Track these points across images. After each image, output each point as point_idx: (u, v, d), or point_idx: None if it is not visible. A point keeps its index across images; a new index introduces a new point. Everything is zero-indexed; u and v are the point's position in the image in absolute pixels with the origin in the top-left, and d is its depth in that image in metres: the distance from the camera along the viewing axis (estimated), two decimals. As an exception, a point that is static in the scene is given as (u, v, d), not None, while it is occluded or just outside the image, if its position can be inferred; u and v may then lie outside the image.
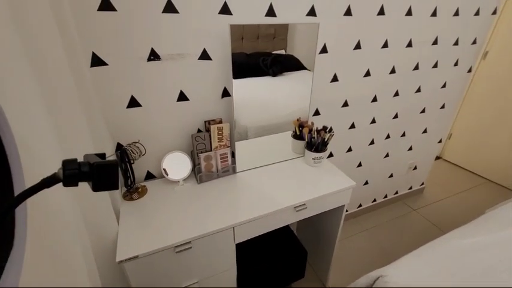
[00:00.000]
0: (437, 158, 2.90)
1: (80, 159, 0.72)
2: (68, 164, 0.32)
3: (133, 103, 1.05)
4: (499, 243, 1.06)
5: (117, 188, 0.35)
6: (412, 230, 2.01)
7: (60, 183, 0.33)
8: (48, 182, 0.32)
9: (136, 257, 0.83)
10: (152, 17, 0.94)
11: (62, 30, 0.72)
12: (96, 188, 0.34)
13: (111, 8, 0.88)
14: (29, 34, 0.57)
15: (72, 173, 0.32)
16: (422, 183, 2.37)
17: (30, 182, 0.35)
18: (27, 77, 0.50)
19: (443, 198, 2.34)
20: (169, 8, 0.95)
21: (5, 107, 0.37)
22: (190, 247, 0.90)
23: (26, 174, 0.39)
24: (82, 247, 0.63)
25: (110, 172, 0.34)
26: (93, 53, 0.91)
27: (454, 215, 2.14)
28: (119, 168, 1.05)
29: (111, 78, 0.98)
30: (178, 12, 0.96)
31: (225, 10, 1.02)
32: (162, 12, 0.94)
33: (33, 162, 0.45)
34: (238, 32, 1.08)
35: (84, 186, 0.40)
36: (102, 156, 0.37)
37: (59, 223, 0.50)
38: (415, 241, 1.89)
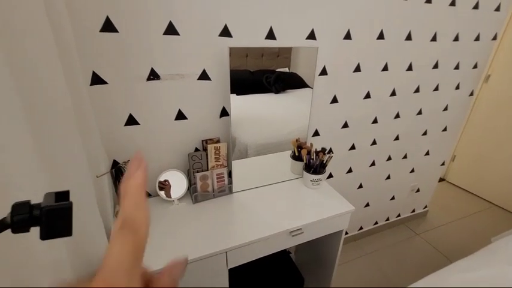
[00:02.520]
0: (442, 179, 2.85)
1: (68, 180, 0.71)
2: (17, 207, 0.29)
3: (131, 121, 1.05)
4: (509, 279, 1.00)
5: (69, 235, 0.30)
6: (415, 256, 1.94)
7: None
8: None
9: (123, 281, 0.80)
10: (153, 39, 0.96)
11: (62, 50, 0.73)
12: (43, 236, 0.29)
13: (113, 30, 0.89)
14: (21, 52, 0.58)
15: (21, 218, 0.28)
16: (426, 207, 2.31)
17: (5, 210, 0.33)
18: (12, 99, 0.50)
19: (447, 222, 2.27)
20: (171, 30, 0.97)
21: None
22: (180, 272, 0.87)
23: (5, 205, 0.38)
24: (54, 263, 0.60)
25: (62, 217, 0.29)
26: (93, 72, 0.93)
27: (458, 241, 2.06)
28: (115, 186, 1.04)
29: (110, 97, 0.98)
30: (179, 34, 0.98)
31: (225, 33, 1.04)
32: (163, 34, 0.96)
33: (11, 188, 0.44)
34: (243, 50, 1.10)
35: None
36: (64, 195, 0.32)
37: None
38: (419, 268, 1.82)
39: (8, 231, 0.30)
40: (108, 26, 0.88)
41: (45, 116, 0.64)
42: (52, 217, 0.29)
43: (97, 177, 0.92)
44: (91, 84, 0.94)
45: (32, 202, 0.31)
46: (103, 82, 0.95)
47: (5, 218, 0.29)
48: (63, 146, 0.71)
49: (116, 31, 0.90)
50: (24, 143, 0.53)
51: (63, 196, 0.31)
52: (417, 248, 2.01)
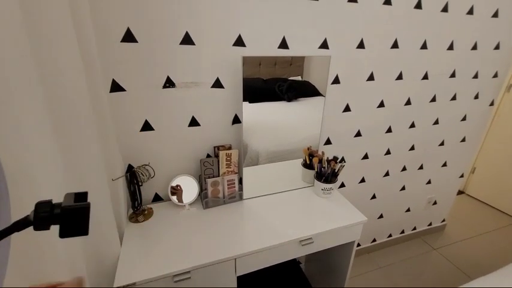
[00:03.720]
0: (461, 192, 2.73)
1: (86, 182, 0.74)
2: (40, 206, 0.30)
3: (146, 127, 1.09)
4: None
5: (85, 234, 0.32)
6: (432, 272, 1.85)
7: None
8: (19, 225, 0.30)
9: (134, 284, 0.81)
10: (170, 48, 0.99)
11: (86, 59, 0.77)
12: (62, 234, 0.31)
13: (133, 40, 0.94)
14: (51, 61, 0.62)
15: (43, 216, 0.30)
16: (444, 220, 2.21)
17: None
18: (40, 104, 0.54)
19: (466, 237, 2.16)
20: (187, 40, 1.00)
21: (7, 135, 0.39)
22: (189, 277, 0.88)
23: (28, 202, 0.40)
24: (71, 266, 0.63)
25: (80, 217, 0.31)
26: (113, 79, 0.97)
27: (479, 258, 1.95)
28: (129, 190, 1.07)
29: (127, 103, 1.02)
30: (194, 44, 1.02)
31: (239, 42, 1.07)
32: (180, 44, 1.00)
33: (34, 186, 0.46)
34: (256, 59, 1.12)
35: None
36: (82, 196, 0.34)
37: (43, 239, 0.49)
38: (436, 284, 1.74)
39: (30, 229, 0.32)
40: (129, 37, 0.93)
41: (68, 121, 0.68)
42: (71, 216, 0.31)
43: (113, 180, 0.95)
44: (110, 92, 0.98)
45: (53, 201, 0.33)
46: (121, 89, 1.00)
47: (28, 215, 0.31)
48: (83, 149, 0.75)
49: (136, 41, 0.94)
50: (48, 145, 0.56)
51: (82, 197, 0.33)
52: (434, 263, 1.92)
